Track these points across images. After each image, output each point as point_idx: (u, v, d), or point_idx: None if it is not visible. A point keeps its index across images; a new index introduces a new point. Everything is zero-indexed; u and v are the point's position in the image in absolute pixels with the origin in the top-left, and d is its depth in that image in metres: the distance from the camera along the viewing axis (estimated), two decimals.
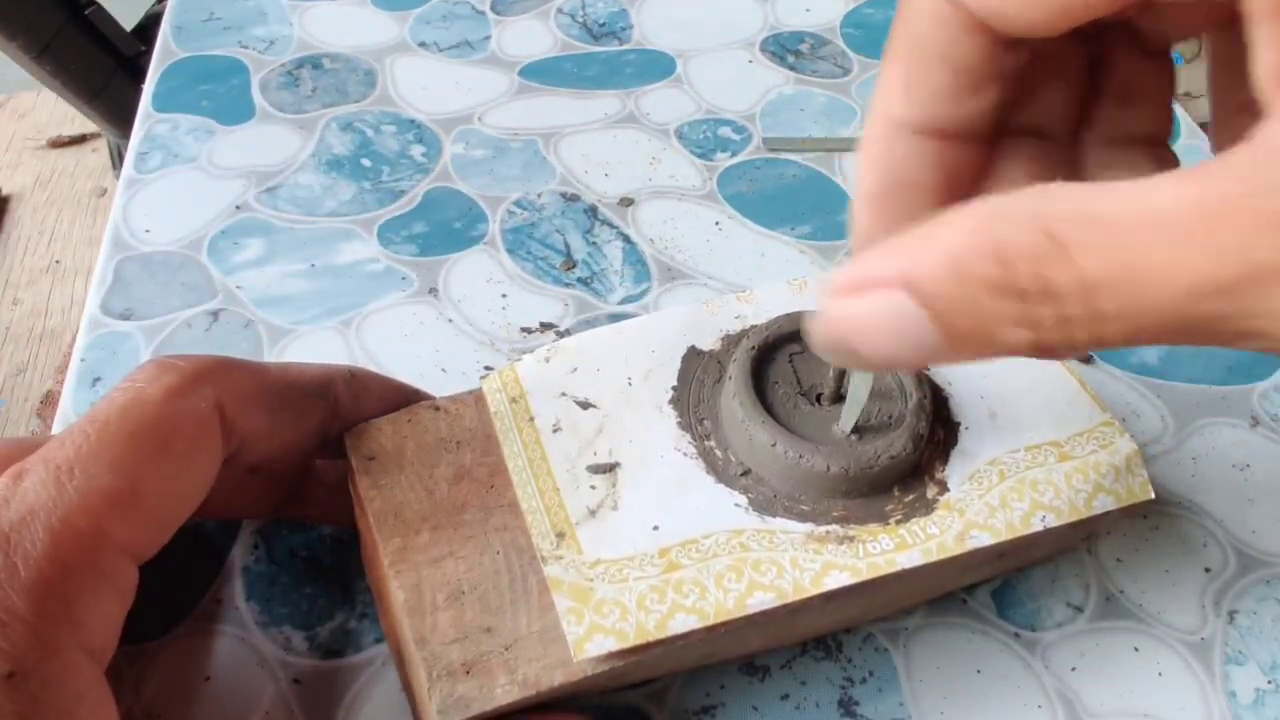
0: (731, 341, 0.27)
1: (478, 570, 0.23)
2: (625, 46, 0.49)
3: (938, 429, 0.26)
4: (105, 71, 1.13)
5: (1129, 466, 0.25)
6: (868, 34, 0.50)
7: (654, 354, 0.27)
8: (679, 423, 0.26)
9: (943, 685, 0.27)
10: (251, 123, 0.44)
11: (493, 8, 0.51)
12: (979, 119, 0.19)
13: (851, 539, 0.23)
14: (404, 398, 0.26)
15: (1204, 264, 0.13)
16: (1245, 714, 0.27)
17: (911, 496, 0.24)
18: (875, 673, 0.27)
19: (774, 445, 0.24)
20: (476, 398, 0.26)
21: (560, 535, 0.23)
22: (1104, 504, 0.25)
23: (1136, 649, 0.28)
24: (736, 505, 0.24)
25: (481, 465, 0.25)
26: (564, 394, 0.26)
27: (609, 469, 0.25)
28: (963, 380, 0.27)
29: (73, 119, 1.60)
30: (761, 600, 0.22)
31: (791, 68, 0.48)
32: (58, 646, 0.17)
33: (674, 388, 0.26)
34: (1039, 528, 0.24)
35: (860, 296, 0.17)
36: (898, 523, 0.24)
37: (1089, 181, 0.15)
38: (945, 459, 0.25)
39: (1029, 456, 0.25)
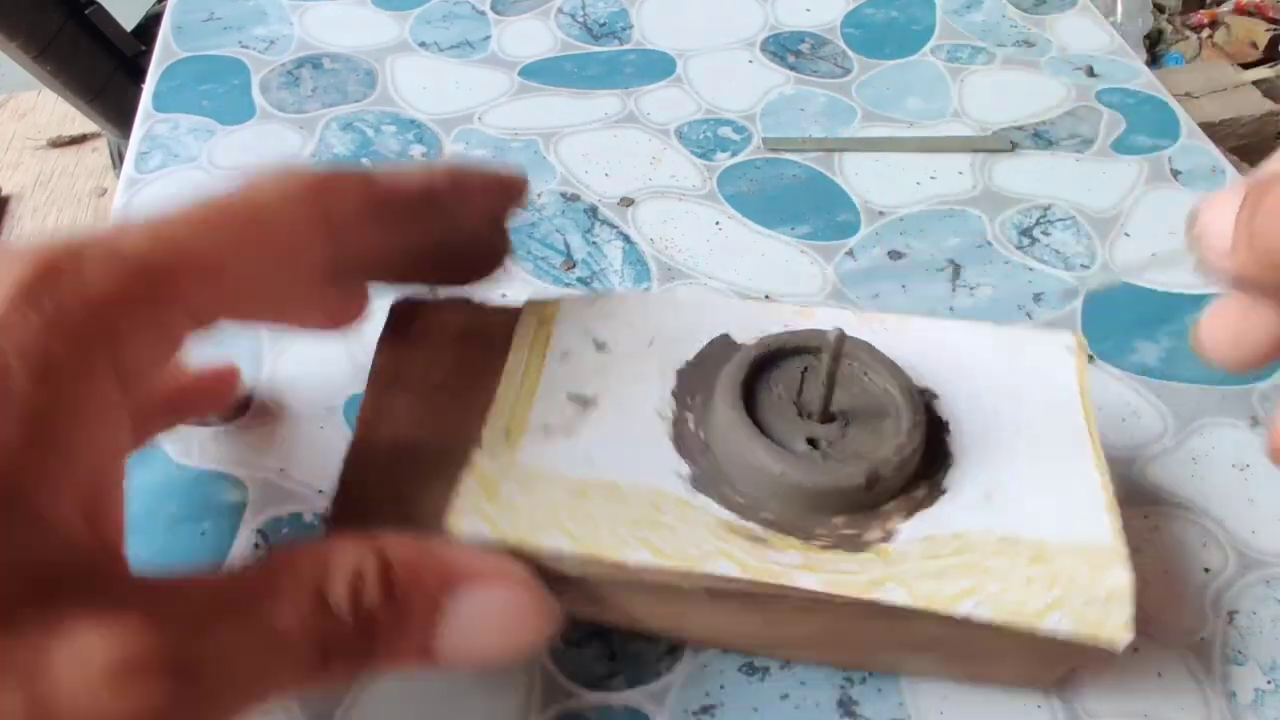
0: (765, 343, 0.27)
1: (418, 432, 0.25)
2: (625, 46, 0.49)
3: (919, 486, 0.24)
4: (105, 71, 1.13)
5: (1111, 598, 0.22)
6: (868, 34, 0.50)
7: (691, 328, 0.27)
8: (673, 390, 0.26)
9: (942, 685, 0.27)
10: (251, 123, 0.44)
11: (493, 8, 0.51)
12: None
13: (764, 541, 0.23)
14: (504, 187, 0.26)
15: None
16: (1245, 714, 0.27)
17: (850, 532, 0.23)
18: (875, 673, 0.27)
19: (733, 429, 0.24)
20: (517, 311, 0.28)
21: (506, 433, 0.25)
22: (1058, 624, 0.21)
23: (1136, 649, 0.28)
24: (678, 474, 0.24)
25: (481, 362, 0.27)
26: (587, 331, 0.27)
27: (585, 402, 0.25)
28: (978, 452, 0.25)
29: (73, 119, 1.60)
30: (639, 557, 0.22)
31: (791, 68, 0.48)
32: (93, 355, 0.18)
33: (689, 361, 0.27)
34: (963, 614, 0.22)
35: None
36: (820, 548, 0.23)
37: None
38: (909, 515, 0.24)
39: (1000, 545, 0.23)
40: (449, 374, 0.27)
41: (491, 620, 0.20)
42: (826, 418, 0.25)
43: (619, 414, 0.25)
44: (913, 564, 0.23)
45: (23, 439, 0.17)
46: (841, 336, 0.24)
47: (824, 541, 0.23)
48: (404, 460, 0.25)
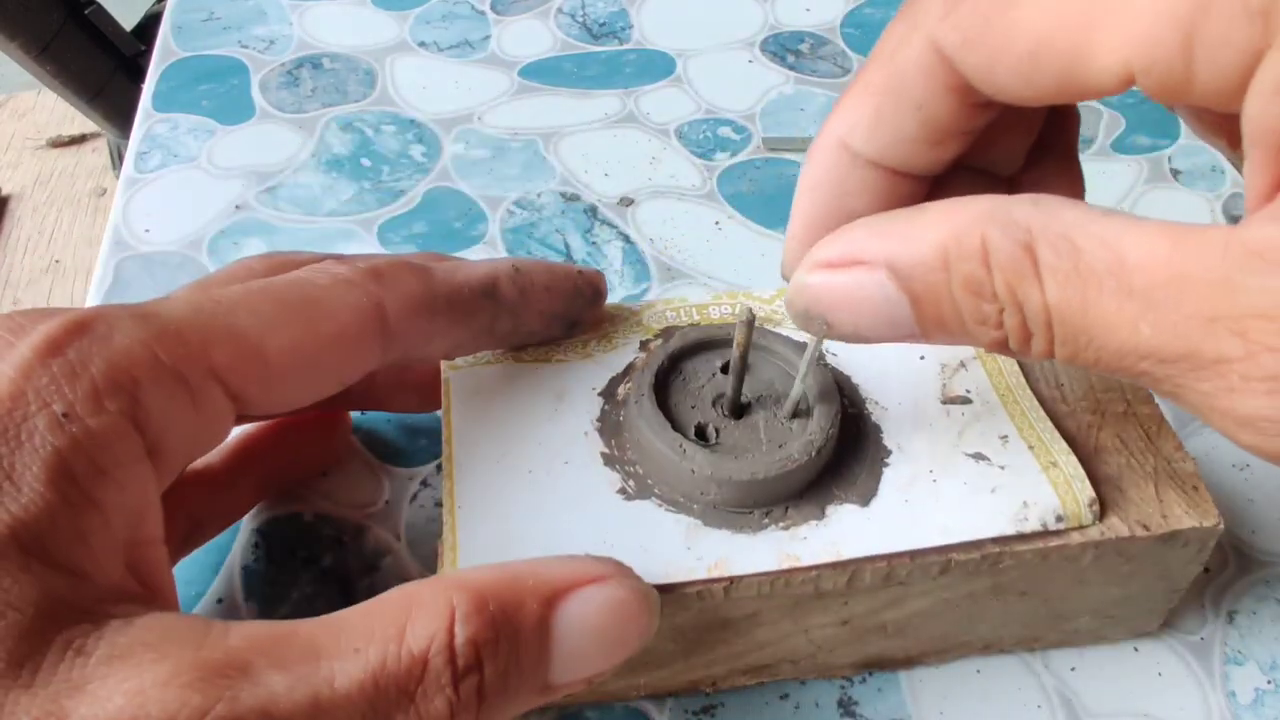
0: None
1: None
2: (625, 46, 0.49)
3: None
4: (105, 71, 1.13)
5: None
6: (868, 34, 0.50)
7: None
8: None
9: (943, 685, 0.27)
10: (251, 122, 0.44)
11: (493, 8, 0.51)
12: (936, 166, 0.20)
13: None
14: (572, 283, 0.26)
15: (1148, 330, 0.14)
16: (1245, 714, 0.27)
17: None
18: (875, 672, 0.27)
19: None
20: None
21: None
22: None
23: (1136, 649, 0.28)
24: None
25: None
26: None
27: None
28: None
29: (73, 119, 1.60)
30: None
31: (791, 68, 0.48)
32: (114, 413, 0.18)
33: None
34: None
35: (842, 271, 0.18)
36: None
37: (1081, 205, 0.16)
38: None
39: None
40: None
41: (604, 628, 0.19)
42: (737, 412, 0.24)
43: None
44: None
45: (47, 490, 0.17)
46: (751, 320, 0.22)
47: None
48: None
